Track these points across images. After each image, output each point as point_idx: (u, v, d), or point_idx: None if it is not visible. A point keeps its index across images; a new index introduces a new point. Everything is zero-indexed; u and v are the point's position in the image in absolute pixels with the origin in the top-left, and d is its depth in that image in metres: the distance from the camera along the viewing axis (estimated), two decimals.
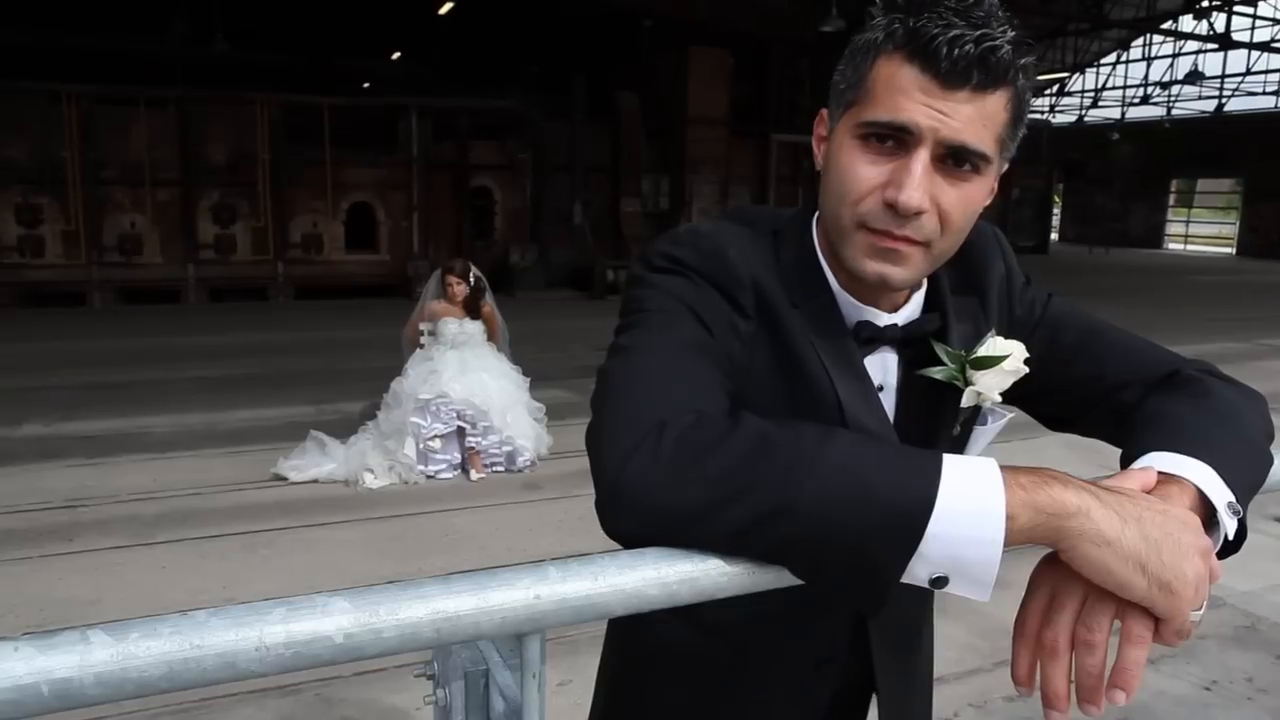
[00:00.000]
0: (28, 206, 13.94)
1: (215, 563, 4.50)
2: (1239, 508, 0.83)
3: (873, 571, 0.72)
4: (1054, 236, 31.96)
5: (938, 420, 1.06)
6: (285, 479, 5.72)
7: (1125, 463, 0.89)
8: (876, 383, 1.04)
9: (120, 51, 16.55)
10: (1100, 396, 1.06)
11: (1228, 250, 31.07)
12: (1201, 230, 34.50)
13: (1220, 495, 0.82)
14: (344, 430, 6.17)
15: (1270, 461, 0.95)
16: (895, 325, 1.03)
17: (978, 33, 0.87)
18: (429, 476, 5.82)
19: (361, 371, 8.42)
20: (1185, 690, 3.43)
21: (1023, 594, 0.78)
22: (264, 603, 0.63)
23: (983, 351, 1.01)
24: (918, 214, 0.90)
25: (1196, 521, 0.77)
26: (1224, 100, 28.76)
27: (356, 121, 15.84)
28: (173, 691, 0.61)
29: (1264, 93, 27.80)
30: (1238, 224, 31.06)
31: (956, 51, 0.86)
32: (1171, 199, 32.80)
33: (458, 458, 5.97)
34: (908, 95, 0.88)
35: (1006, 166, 0.98)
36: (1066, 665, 0.74)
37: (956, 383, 1.01)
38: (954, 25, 0.87)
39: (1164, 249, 32.00)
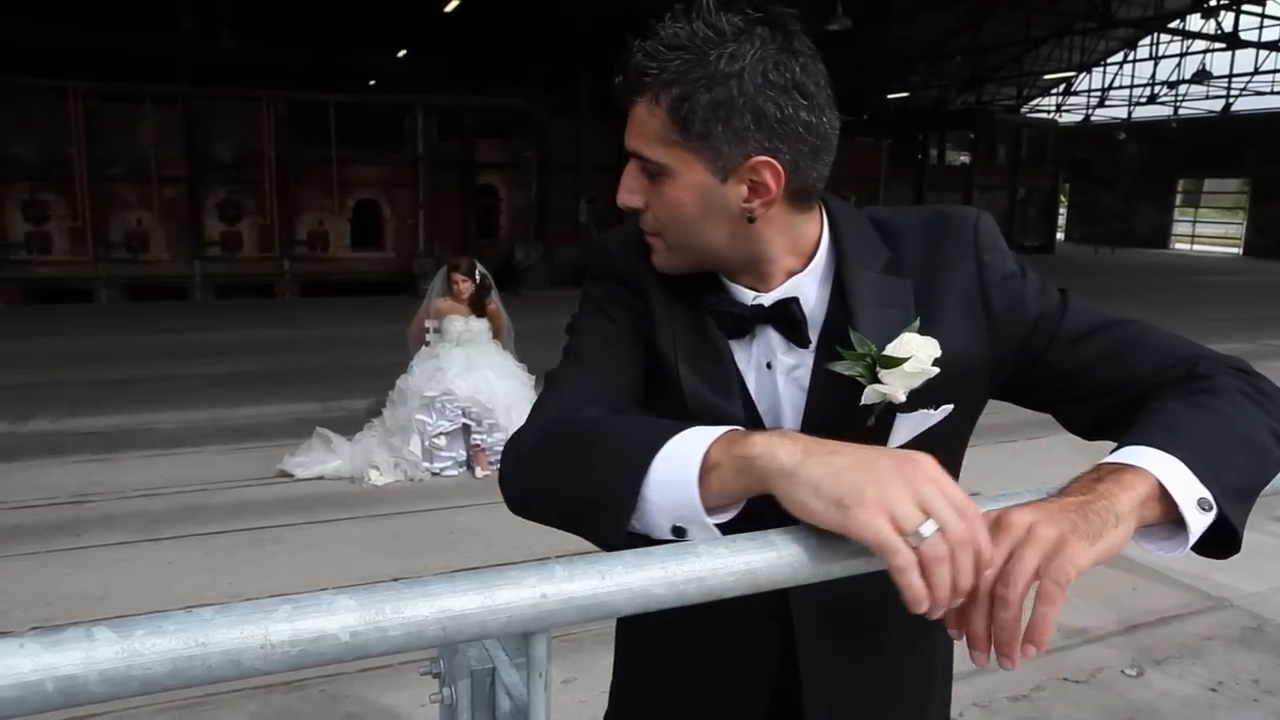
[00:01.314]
0: (34, 203, 13.94)
1: (221, 559, 4.51)
2: (1212, 503, 0.80)
3: (608, 510, 0.84)
4: (1059, 236, 31.86)
5: (853, 409, 1.00)
6: (291, 475, 5.73)
7: None
8: (764, 361, 1.05)
9: (126, 48, 16.59)
10: (1130, 403, 0.99)
11: (1234, 250, 30.98)
12: (1208, 230, 34.40)
13: (1186, 489, 0.79)
14: (349, 427, 6.18)
15: (1278, 464, 0.90)
16: (762, 305, 1.04)
17: (627, 54, 0.99)
18: (434, 474, 5.83)
19: (367, 369, 8.42)
20: (1191, 691, 3.42)
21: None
22: (269, 600, 0.63)
23: (890, 349, 0.97)
24: (636, 211, 1.03)
25: (925, 458, 0.76)
26: (1231, 100, 28.61)
27: (362, 119, 15.86)
28: (177, 689, 0.61)
29: (1271, 92, 27.65)
30: (1244, 224, 30.96)
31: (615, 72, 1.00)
32: (1178, 199, 32.69)
33: (463, 455, 5.98)
34: None
35: (752, 159, 0.95)
36: (985, 610, 0.76)
37: (861, 379, 0.97)
38: None
39: (1170, 249, 31.90)
